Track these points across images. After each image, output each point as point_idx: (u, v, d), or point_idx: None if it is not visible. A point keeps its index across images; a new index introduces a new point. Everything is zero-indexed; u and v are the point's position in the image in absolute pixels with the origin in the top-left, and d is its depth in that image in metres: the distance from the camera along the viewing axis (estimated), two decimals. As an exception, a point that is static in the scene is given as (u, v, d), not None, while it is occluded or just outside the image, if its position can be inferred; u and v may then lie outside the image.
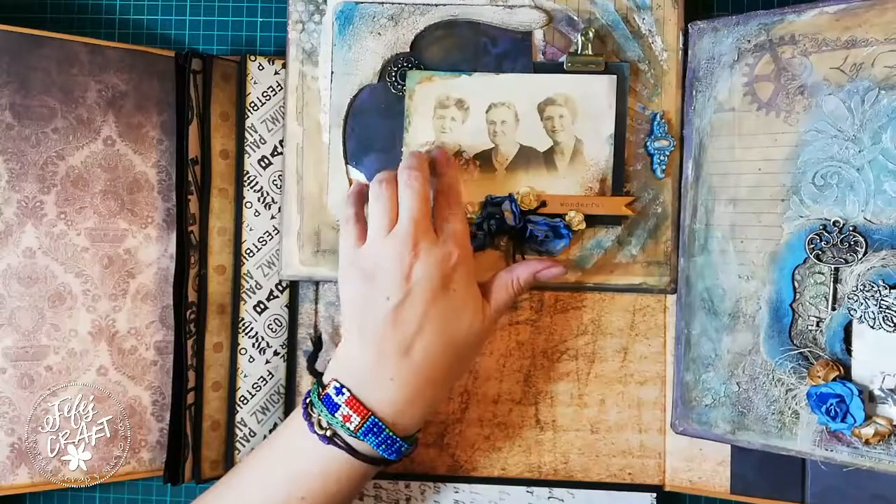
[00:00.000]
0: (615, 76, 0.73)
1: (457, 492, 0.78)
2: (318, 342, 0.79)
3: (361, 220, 0.70)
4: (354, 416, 0.63)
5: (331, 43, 0.75)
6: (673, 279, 0.76)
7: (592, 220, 0.74)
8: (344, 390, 0.64)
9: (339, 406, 0.64)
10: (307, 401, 0.66)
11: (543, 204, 0.73)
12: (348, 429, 0.64)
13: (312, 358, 0.79)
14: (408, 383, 0.65)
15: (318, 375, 0.69)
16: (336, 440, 0.64)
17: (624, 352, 0.77)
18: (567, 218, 0.73)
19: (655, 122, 0.74)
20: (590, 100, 0.73)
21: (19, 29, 0.72)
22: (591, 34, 0.73)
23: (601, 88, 0.73)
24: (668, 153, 0.74)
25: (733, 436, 0.70)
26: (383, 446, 0.64)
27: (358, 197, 0.72)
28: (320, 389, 0.66)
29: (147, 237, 0.77)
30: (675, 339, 0.76)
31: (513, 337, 0.78)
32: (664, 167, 0.75)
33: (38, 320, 0.73)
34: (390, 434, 0.64)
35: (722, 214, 0.71)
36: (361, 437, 0.64)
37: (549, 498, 0.78)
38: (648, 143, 0.74)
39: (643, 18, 0.74)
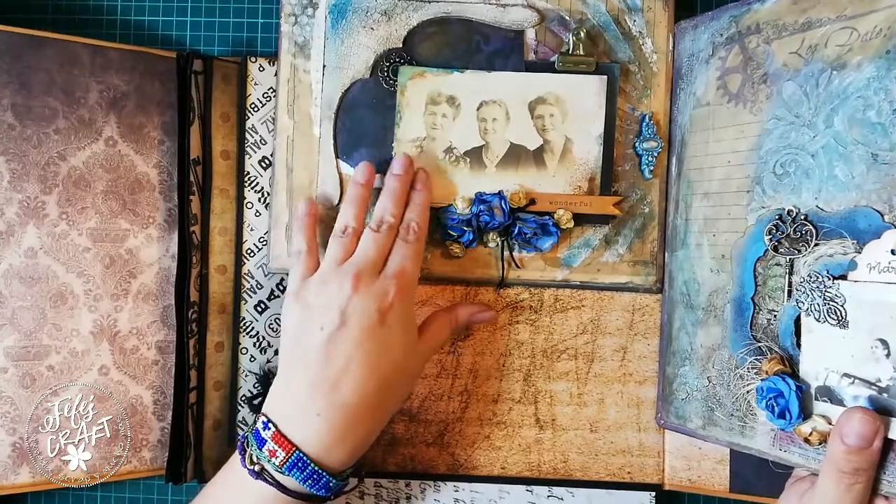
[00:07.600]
0: (605, 77, 0.74)
1: (457, 490, 0.79)
2: (265, 380, 0.78)
3: (313, 254, 0.71)
4: (280, 450, 0.63)
5: (323, 36, 0.75)
6: (659, 279, 0.76)
7: (580, 219, 0.75)
8: (270, 425, 0.64)
9: (266, 441, 0.64)
10: (245, 435, 0.66)
11: (532, 202, 0.74)
12: (274, 464, 0.63)
13: (257, 396, 0.79)
14: (335, 420, 0.64)
15: (256, 410, 0.69)
16: (265, 475, 0.64)
17: (623, 351, 0.78)
18: (555, 216, 0.74)
19: (644, 123, 0.75)
20: (580, 100, 0.74)
21: (21, 30, 0.72)
22: (582, 34, 0.73)
23: (591, 88, 0.74)
24: (656, 154, 0.75)
25: (704, 431, 0.70)
26: (309, 482, 0.63)
27: (309, 230, 0.72)
28: (255, 424, 0.66)
29: (148, 237, 0.78)
30: (660, 332, 0.77)
31: (512, 336, 0.78)
32: (652, 168, 0.75)
33: (39, 320, 0.74)
34: (316, 469, 0.63)
35: (698, 208, 0.72)
36: (286, 473, 0.63)
37: (548, 497, 0.78)
38: (637, 144, 0.75)
39: (634, 20, 0.75)
